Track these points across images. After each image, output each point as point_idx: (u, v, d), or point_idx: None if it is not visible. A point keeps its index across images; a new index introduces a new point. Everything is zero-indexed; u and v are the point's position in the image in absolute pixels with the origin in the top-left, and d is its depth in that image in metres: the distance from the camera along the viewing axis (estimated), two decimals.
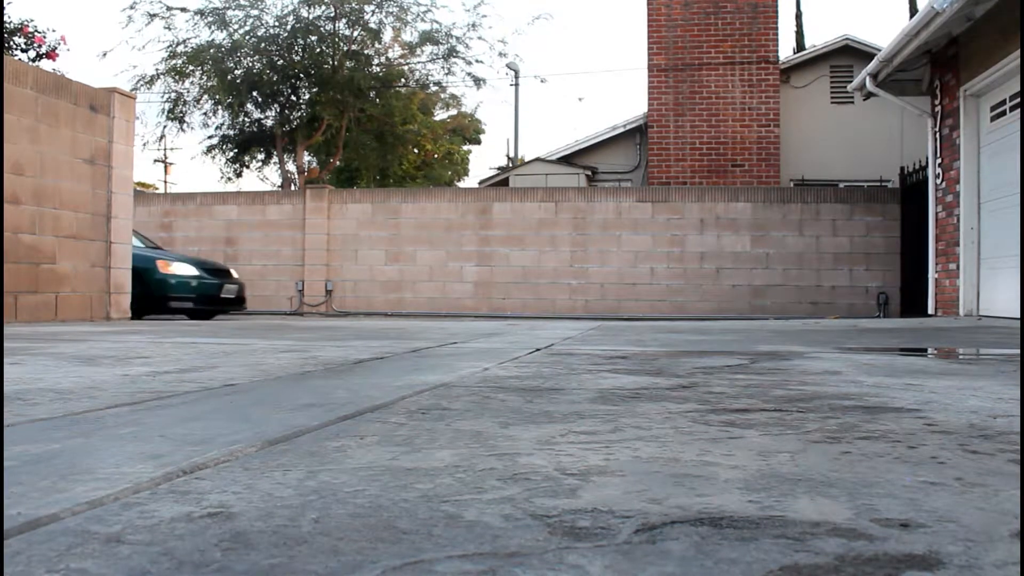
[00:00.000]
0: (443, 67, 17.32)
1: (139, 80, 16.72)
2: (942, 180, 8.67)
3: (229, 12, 16.33)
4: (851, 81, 10.81)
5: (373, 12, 16.68)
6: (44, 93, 7.03)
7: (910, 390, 2.03)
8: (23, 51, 10.06)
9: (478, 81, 17.21)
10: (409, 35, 17.33)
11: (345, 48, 16.71)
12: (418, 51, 17.40)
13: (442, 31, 16.91)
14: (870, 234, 11.33)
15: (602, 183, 14.45)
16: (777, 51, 13.40)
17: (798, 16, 20.32)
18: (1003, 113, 7.51)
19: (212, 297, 9.41)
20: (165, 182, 39.48)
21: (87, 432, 1.41)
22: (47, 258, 7.05)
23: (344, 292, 12.52)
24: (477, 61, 17.36)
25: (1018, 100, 7.03)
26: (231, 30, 16.37)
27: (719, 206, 11.59)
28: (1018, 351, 3.54)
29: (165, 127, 17.59)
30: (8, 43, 9.85)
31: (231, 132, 17.90)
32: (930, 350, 4.01)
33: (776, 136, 13.31)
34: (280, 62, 16.61)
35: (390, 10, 16.72)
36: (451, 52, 17.00)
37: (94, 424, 1.50)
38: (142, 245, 9.93)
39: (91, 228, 7.55)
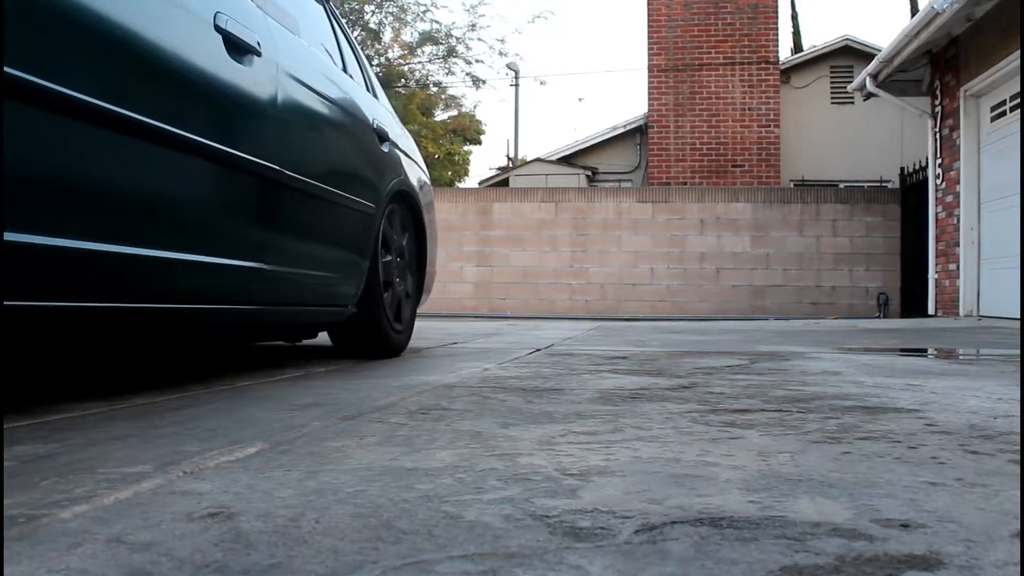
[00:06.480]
0: (443, 67, 17.36)
1: None
2: (942, 180, 8.67)
3: None
4: (851, 81, 10.81)
5: (373, 12, 16.70)
6: None
7: (910, 390, 2.03)
8: None
9: (478, 81, 17.23)
10: (409, 35, 17.36)
11: None
12: (418, 51, 17.42)
13: (442, 31, 16.93)
14: (870, 234, 11.32)
15: (602, 183, 14.44)
16: (777, 51, 13.39)
17: (794, 16, 20.30)
18: (1003, 114, 7.51)
19: None
20: None
21: (87, 432, 1.41)
22: None
23: None
24: (477, 61, 17.47)
25: (1018, 100, 7.03)
26: None
27: (719, 206, 11.59)
28: (1018, 351, 3.54)
29: None
30: None
31: None
32: (930, 350, 4.00)
33: (776, 136, 13.31)
34: None
35: (390, 10, 16.74)
36: (451, 52, 17.03)
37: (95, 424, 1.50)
38: None
39: None
